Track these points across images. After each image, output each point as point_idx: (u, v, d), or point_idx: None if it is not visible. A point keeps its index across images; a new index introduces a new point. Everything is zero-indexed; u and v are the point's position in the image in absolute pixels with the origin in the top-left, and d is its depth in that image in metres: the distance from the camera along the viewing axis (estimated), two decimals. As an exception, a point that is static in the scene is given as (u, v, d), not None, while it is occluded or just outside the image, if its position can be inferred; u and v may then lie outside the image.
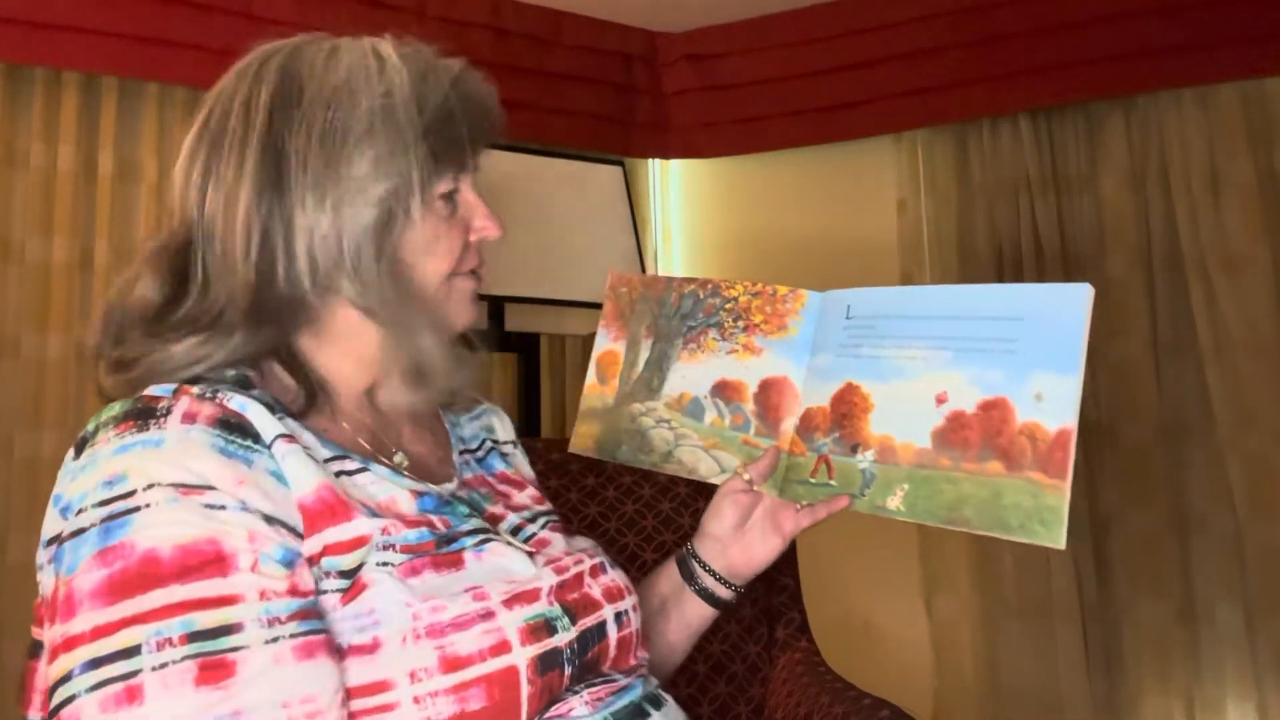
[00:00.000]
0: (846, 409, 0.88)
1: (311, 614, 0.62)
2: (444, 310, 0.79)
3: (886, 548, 2.37)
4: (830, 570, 2.10)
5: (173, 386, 0.66)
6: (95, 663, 0.56)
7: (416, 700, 0.63)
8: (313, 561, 0.64)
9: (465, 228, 0.79)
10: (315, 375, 0.75)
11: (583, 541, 0.87)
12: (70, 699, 0.56)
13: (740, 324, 0.97)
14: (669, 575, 0.97)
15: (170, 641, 0.56)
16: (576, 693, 0.71)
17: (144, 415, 0.63)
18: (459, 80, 0.76)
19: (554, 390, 2.37)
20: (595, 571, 0.81)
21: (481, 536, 0.74)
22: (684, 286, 1.01)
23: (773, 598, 1.46)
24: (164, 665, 0.56)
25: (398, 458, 0.78)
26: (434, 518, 0.72)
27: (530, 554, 0.76)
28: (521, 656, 0.67)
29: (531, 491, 0.91)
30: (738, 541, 0.94)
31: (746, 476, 0.93)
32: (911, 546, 2.35)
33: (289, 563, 0.62)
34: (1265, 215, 2.06)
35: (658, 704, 0.78)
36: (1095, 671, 2.15)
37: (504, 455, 0.94)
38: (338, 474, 0.70)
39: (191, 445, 0.62)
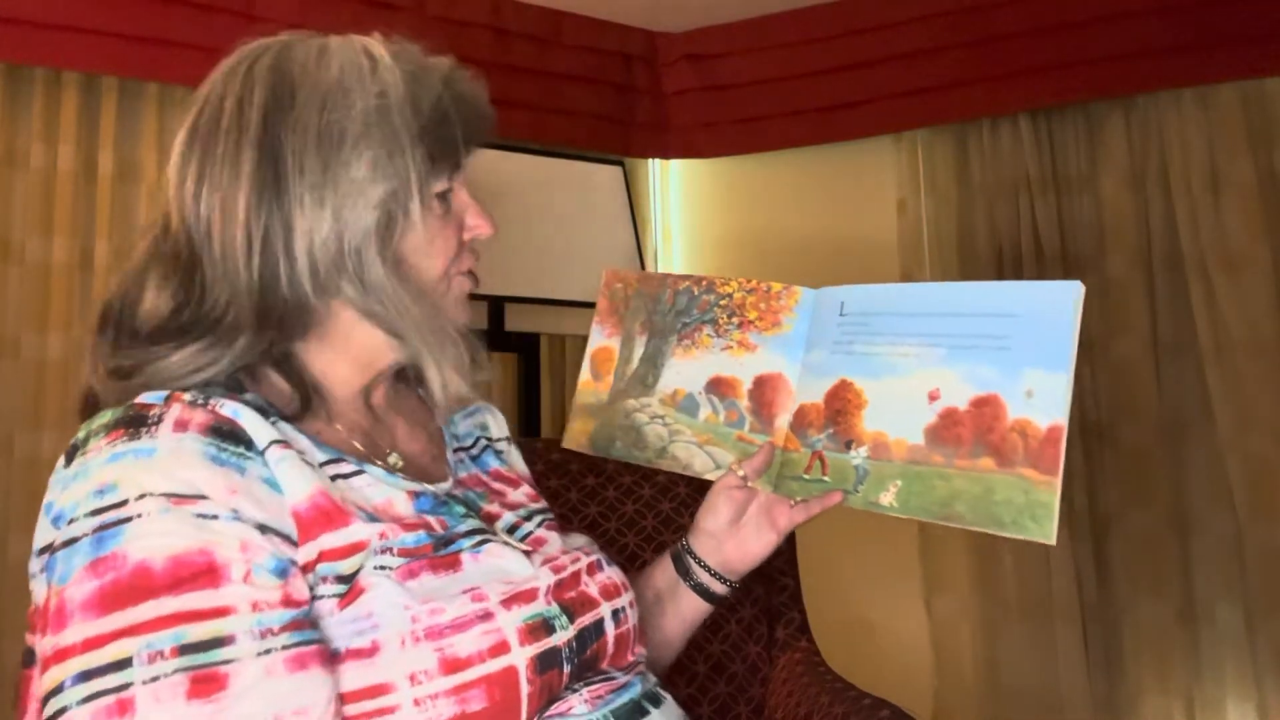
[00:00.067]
0: (840, 405, 0.89)
1: (304, 624, 0.62)
2: (441, 310, 0.78)
3: (886, 548, 2.37)
4: (830, 570, 2.10)
5: (164, 394, 0.65)
6: (86, 675, 0.56)
7: (417, 702, 0.63)
8: (308, 568, 0.64)
9: (459, 226, 0.79)
10: (310, 378, 0.74)
11: (579, 539, 0.87)
12: (62, 711, 0.56)
13: (735, 320, 0.97)
14: (664, 571, 0.97)
15: (161, 654, 0.56)
16: (576, 691, 0.71)
17: (135, 423, 0.63)
18: (450, 80, 0.76)
19: (554, 390, 2.37)
20: (592, 569, 0.81)
21: (479, 538, 0.74)
22: (679, 283, 1.01)
23: (773, 598, 1.46)
24: (155, 678, 0.56)
25: (392, 458, 0.78)
26: (431, 518, 0.72)
27: (527, 553, 0.76)
28: (521, 656, 0.67)
29: (526, 489, 0.91)
30: (732, 537, 0.94)
31: (741, 473, 0.93)
32: (911, 546, 2.35)
33: (282, 572, 0.62)
34: (1265, 215, 2.06)
35: (656, 702, 0.78)
36: (1095, 671, 2.14)
37: (498, 453, 0.94)
38: (334, 477, 0.69)
39: (183, 454, 0.62)
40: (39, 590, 0.62)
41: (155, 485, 0.60)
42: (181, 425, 0.63)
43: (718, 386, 0.97)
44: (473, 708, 0.64)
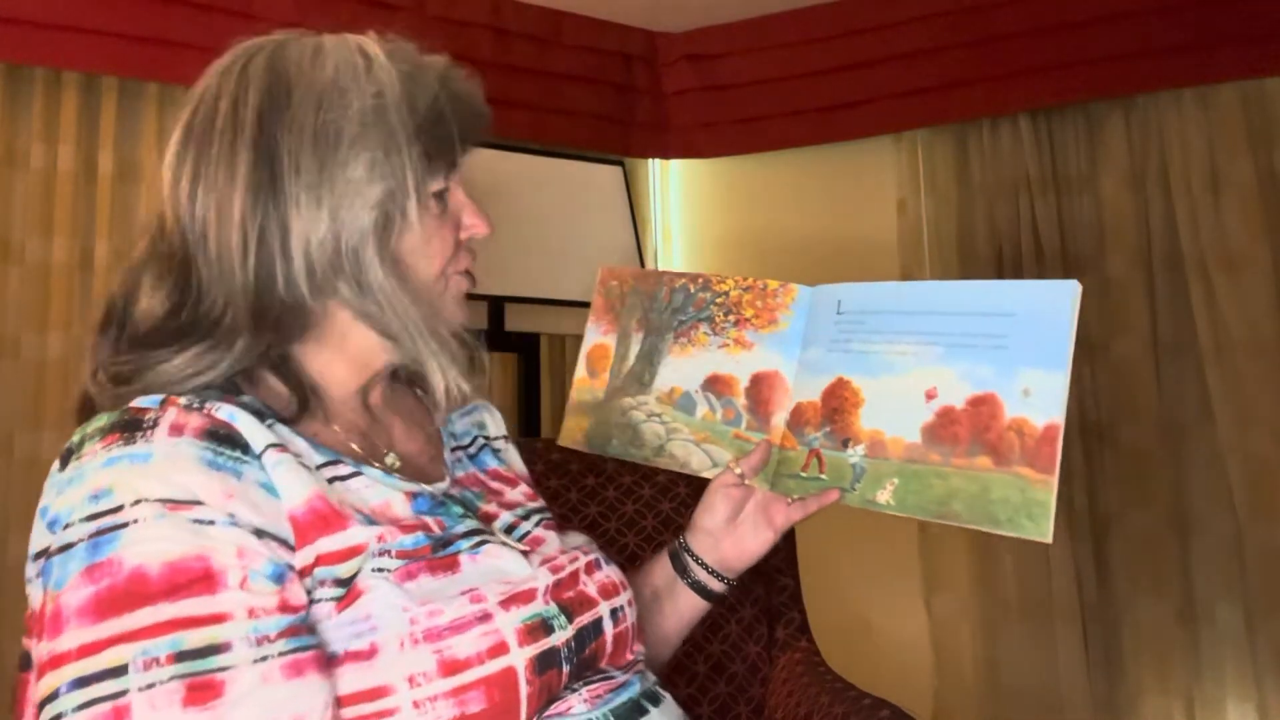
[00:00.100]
0: (837, 404, 0.89)
1: (301, 630, 0.62)
2: (439, 311, 0.78)
3: (886, 547, 2.37)
4: (830, 570, 2.10)
5: (160, 397, 0.65)
6: (82, 681, 0.56)
7: (416, 705, 0.63)
8: (305, 572, 0.64)
9: (456, 226, 0.79)
10: (308, 379, 0.74)
11: (576, 538, 0.87)
12: (58, 717, 0.56)
13: (731, 318, 0.97)
14: (662, 568, 0.97)
15: (158, 661, 0.56)
16: (575, 691, 0.71)
17: (130, 428, 0.63)
18: (446, 79, 0.76)
19: (554, 390, 2.37)
20: (590, 568, 0.81)
21: (477, 539, 0.73)
22: (674, 281, 1.01)
23: (773, 598, 1.46)
24: (151, 685, 0.55)
25: (390, 458, 0.78)
26: (429, 519, 0.72)
27: (525, 553, 0.76)
28: (520, 657, 0.66)
29: (524, 488, 0.91)
30: (730, 535, 0.94)
31: (738, 471, 0.93)
32: (911, 546, 2.35)
33: (279, 577, 0.62)
34: (1265, 215, 2.06)
35: (655, 700, 0.78)
36: (1095, 671, 2.14)
37: (496, 451, 0.93)
38: (331, 480, 0.69)
39: (179, 459, 0.61)
40: (34, 595, 0.62)
41: (151, 491, 0.60)
42: (177, 429, 0.62)
43: (715, 384, 0.97)
44: (472, 709, 0.64)
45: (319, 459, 0.70)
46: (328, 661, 0.63)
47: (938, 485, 0.82)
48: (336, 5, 2.02)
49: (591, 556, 0.83)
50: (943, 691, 2.29)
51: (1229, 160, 2.09)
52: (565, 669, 0.70)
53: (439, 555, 0.70)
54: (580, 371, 1.04)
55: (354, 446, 0.75)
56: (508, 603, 0.69)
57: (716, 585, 0.96)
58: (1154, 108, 2.17)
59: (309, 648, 0.61)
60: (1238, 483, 2.03)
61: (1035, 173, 2.26)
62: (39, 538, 0.63)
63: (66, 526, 0.60)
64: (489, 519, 0.81)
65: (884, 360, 0.87)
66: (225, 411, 0.65)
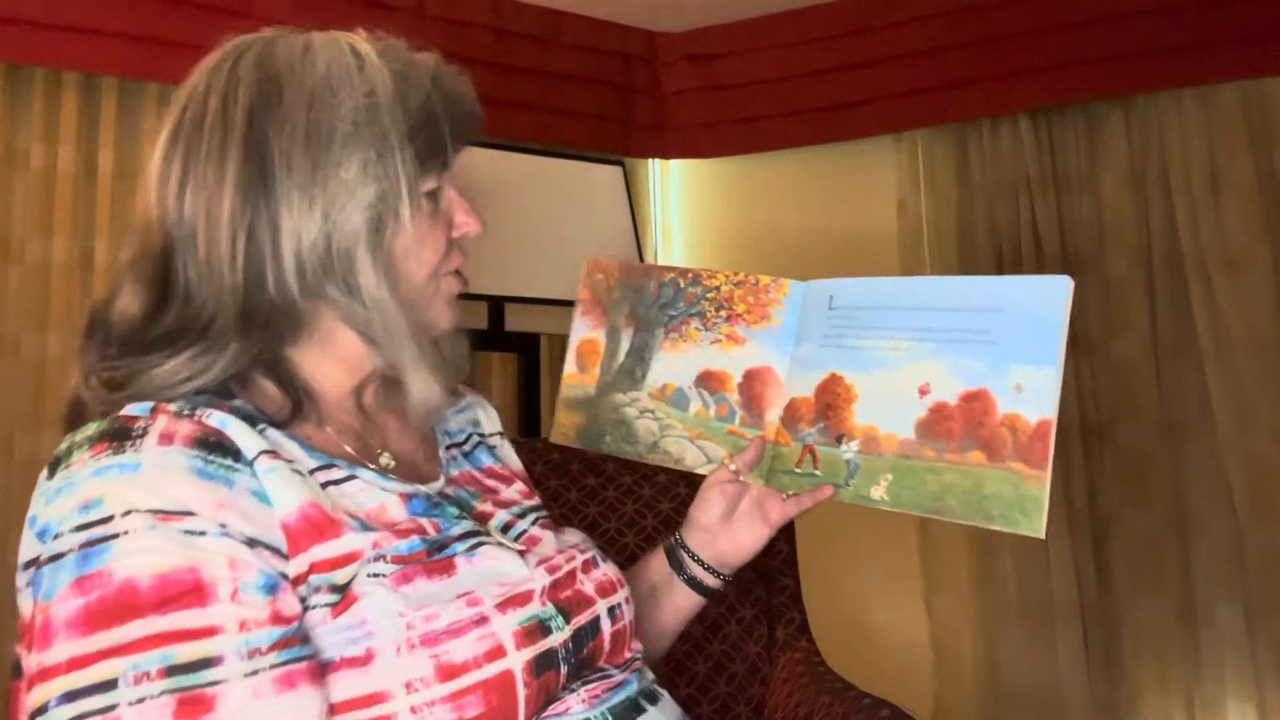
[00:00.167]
0: (830, 399, 0.89)
1: (294, 641, 0.61)
2: (429, 313, 0.78)
3: (886, 548, 2.37)
4: (830, 570, 2.10)
5: (149, 405, 0.64)
6: (71, 695, 0.55)
7: (414, 710, 0.62)
8: (299, 581, 0.63)
9: (448, 225, 0.78)
10: (301, 381, 0.73)
11: (573, 536, 0.87)
12: None
13: (723, 314, 0.97)
14: (658, 565, 0.97)
15: (148, 675, 0.55)
16: (573, 691, 0.71)
17: (120, 436, 0.62)
18: (437, 77, 0.75)
19: (554, 390, 2.35)
20: (587, 566, 0.81)
21: (473, 541, 0.73)
22: (664, 275, 1.01)
23: (773, 598, 1.46)
24: (141, 700, 0.55)
25: (384, 458, 0.77)
26: (424, 521, 0.72)
27: (521, 553, 0.75)
28: (517, 660, 0.66)
29: (520, 486, 0.91)
30: (725, 531, 0.95)
31: (733, 467, 0.93)
32: (911, 546, 2.35)
33: (271, 588, 0.61)
34: (1265, 215, 2.06)
35: (654, 699, 0.78)
36: (1095, 671, 2.14)
37: (491, 448, 0.93)
38: (325, 484, 0.69)
39: (169, 469, 0.60)
40: (25, 605, 0.61)
41: (141, 502, 0.59)
42: (167, 438, 0.62)
43: (707, 380, 0.97)
44: (470, 713, 0.63)
45: (312, 463, 0.69)
46: (322, 669, 0.63)
47: (931, 481, 0.83)
48: (336, 5, 2.02)
49: (588, 554, 0.83)
50: (943, 692, 2.29)
51: (1229, 160, 2.09)
52: (563, 669, 0.70)
53: (434, 558, 0.69)
54: (569, 367, 1.04)
55: (348, 449, 0.74)
56: (504, 605, 0.68)
57: (712, 581, 0.96)
58: (1154, 108, 2.17)
59: (302, 659, 0.61)
60: (1238, 483, 2.03)
61: (1035, 173, 2.26)
62: (29, 547, 0.62)
63: (56, 536, 0.59)
64: (484, 518, 0.80)
65: (876, 356, 0.87)
66: (216, 418, 0.64)
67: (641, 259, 2.23)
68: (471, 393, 0.96)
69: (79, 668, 0.56)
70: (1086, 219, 2.24)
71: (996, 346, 0.81)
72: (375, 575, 0.65)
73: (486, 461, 0.90)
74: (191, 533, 0.59)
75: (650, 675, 0.82)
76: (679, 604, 0.96)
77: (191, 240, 0.69)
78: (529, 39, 2.35)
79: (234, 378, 0.70)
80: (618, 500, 1.47)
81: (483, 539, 0.74)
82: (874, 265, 2.42)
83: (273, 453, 0.65)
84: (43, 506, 0.62)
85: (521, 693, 0.66)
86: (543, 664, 0.68)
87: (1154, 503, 2.13)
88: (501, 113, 2.28)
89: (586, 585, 0.78)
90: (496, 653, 0.65)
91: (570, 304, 1.99)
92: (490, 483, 0.88)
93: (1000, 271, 2.29)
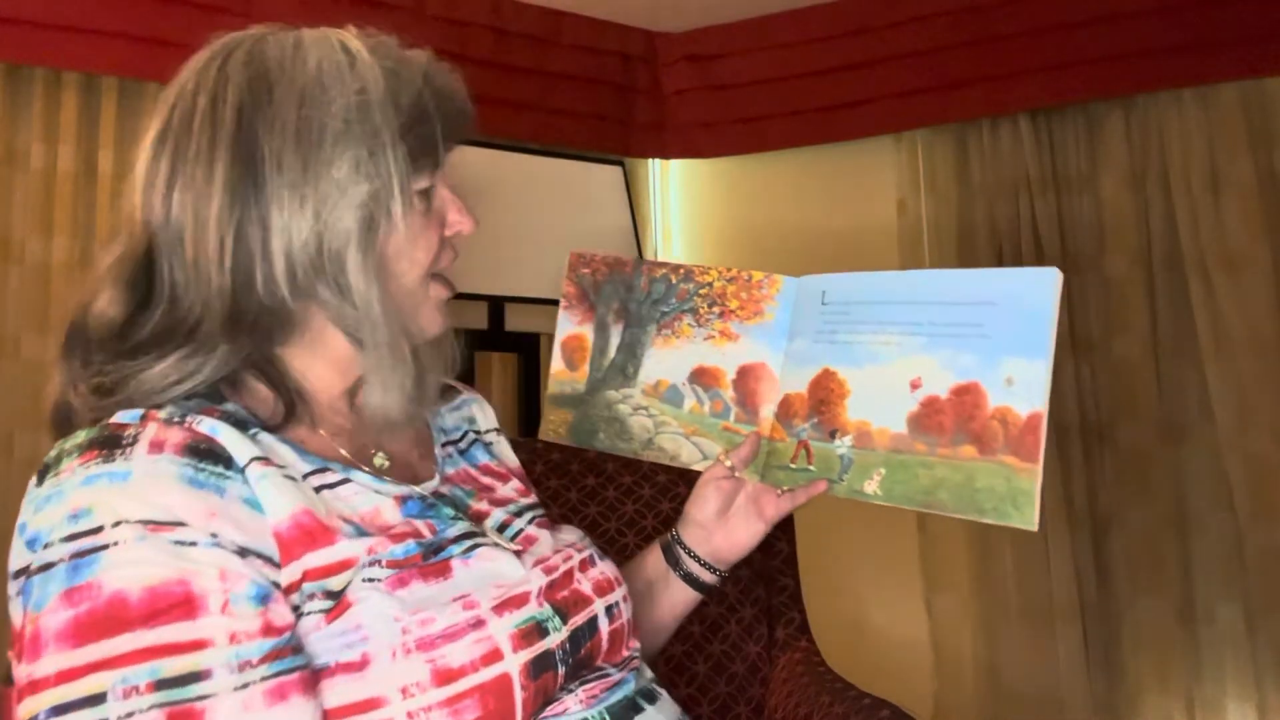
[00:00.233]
0: (824, 395, 0.89)
1: (285, 652, 0.60)
2: (417, 318, 0.77)
3: (886, 548, 2.37)
4: (830, 570, 2.11)
5: (139, 412, 0.63)
6: (60, 709, 0.55)
7: (410, 715, 0.62)
8: (291, 589, 0.63)
9: (440, 224, 0.77)
10: (293, 383, 0.72)
11: (570, 534, 0.86)
12: None
13: (716, 310, 0.97)
14: (654, 561, 0.97)
15: (137, 689, 0.55)
16: (571, 691, 0.71)
17: (110, 444, 0.61)
18: (429, 75, 0.74)
19: (552, 390, 2.37)
20: (584, 565, 0.80)
21: (469, 542, 0.72)
22: (654, 270, 1.00)
23: (773, 598, 1.46)
24: (130, 714, 0.54)
25: (378, 459, 0.76)
26: (419, 523, 0.71)
27: (518, 553, 0.75)
28: (514, 663, 0.66)
29: (516, 484, 0.90)
30: (721, 527, 0.95)
31: (729, 463, 0.93)
32: (911, 546, 2.35)
33: (263, 598, 0.60)
34: (1265, 215, 2.06)
35: (652, 698, 0.78)
36: (1095, 671, 2.14)
37: (487, 445, 0.92)
38: (319, 489, 0.68)
39: (160, 478, 0.60)
40: (15, 614, 0.60)
41: (131, 512, 0.58)
42: (157, 446, 0.61)
43: (701, 377, 0.97)
44: (467, 718, 0.63)
45: (306, 467, 0.68)
46: (315, 677, 0.62)
47: (924, 475, 0.83)
48: (336, 5, 2.02)
49: (586, 553, 0.82)
50: (942, 692, 2.29)
51: (1229, 160, 2.09)
52: (560, 670, 0.70)
53: (430, 561, 0.68)
54: (556, 363, 1.03)
55: (342, 451, 0.73)
56: (501, 608, 0.68)
57: (708, 577, 0.96)
58: (1154, 108, 2.17)
59: (293, 670, 0.60)
60: (1238, 483, 2.03)
61: (1035, 173, 2.26)
62: (18, 556, 0.61)
63: (46, 546, 0.58)
64: (480, 517, 0.80)
65: (869, 350, 0.87)
66: (207, 425, 0.63)
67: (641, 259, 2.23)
68: (468, 389, 0.95)
69: (68, 681, 0.55)
70: (1086, 219, 2.24)
71: (987, 340, 0.81)
72: (370, 580, 0.65)
73: (483, 459, 0.90)
74: (182, 543, 0.58)
75: (648, 674, 0.82)
76: (675, 600, 0.96)
77: (179, 241, 0.68)
78: (529, 39, 2.35)
79: (225, 380, 0.69)
80: (618, 500, 1.47)
81: (479, 540, 0.73)
82: (874, 265, 2.39)
83: (264, 459, 0.65)
84: (32, 514, 0.61)
85: (519, 695, 0.65)
86: (540, 666, 0.68)
87: (1154, 502, 2.13)
88: (502, 113, 2.28)
89: (584, 584, 0.78)
90: (493, 656, 0.65)
91: (571, 304, 1.95)
92: (486, 480, 0.87)
93: (1001, 272, 2.28)
